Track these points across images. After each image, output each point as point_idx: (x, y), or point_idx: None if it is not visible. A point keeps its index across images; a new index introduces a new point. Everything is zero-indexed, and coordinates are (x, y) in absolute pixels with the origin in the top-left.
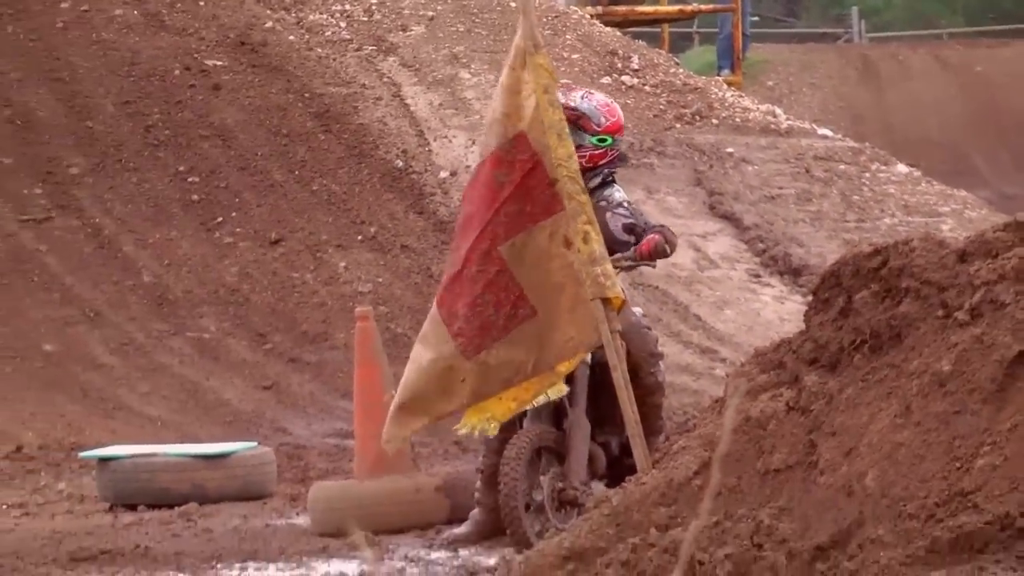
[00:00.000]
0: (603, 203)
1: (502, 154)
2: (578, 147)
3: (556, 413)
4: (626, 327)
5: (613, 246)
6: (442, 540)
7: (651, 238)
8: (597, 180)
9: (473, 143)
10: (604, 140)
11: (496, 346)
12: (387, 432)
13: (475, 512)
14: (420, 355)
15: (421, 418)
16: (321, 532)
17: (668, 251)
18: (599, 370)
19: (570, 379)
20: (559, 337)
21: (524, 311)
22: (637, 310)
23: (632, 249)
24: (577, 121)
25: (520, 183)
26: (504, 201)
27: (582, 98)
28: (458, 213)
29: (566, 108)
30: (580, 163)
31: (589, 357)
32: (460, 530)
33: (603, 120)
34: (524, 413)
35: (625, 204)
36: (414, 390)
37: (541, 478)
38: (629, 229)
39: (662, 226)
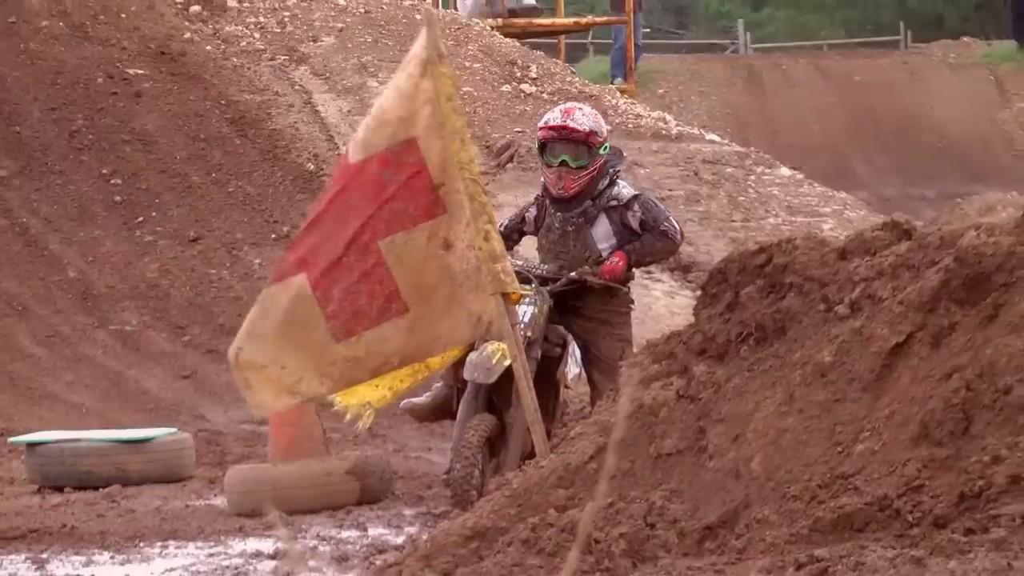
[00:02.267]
0: (614, 202)
1: (391, 155)
2: (590, 166)
3: (488, 401)
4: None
5: (623, 243)
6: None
7: (614, 265)
8: (606, 181)
9: None
10: (605, 148)
11: (366, 335)
12: (256, 397)
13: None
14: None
15: (291, 395)
16: (238, 513)
17: (632, 275)
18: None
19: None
20: (430, 335)
21: (397, 306)
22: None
23: (598, 267)
24: (587, 140)
25: (405, 184)
26: (388, 199)
27: (582, 115)
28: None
29: (576, 133)
30: (594, 176)
31: (538, 352)
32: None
33: (604, 129)
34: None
35: (639, 201)
36: (279, 358)
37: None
38: (644, 227)
39: (663, 232)
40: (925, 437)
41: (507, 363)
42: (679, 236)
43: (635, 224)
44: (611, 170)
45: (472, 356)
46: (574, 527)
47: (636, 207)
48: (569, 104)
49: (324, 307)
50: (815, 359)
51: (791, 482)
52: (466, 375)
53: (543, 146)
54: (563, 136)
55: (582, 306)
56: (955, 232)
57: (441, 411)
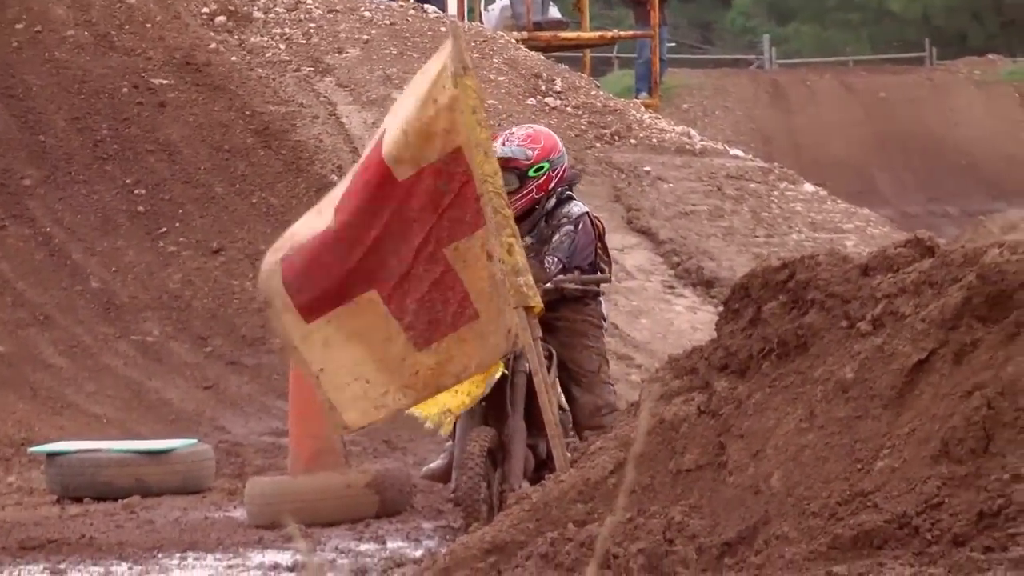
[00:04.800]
0: (564, 220)
1: (441, 166)
2: (522, 189)
3: (484, 415)
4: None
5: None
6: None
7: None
8: (552, 202)
9: None
10: (540, 168)
11: (445, 341)
12: (343, 416)
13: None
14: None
15: (378, 409)
16: (257, 524)
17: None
18: (528, 377)
19: (512, 386)
20: (492, 341)
21: (469, 311)
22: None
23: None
24: (507, 166)
25: (458, 193)
26: (446, 208)
27: (503, 144)
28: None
29: (500, 159)
30: (531, 197)
31: (526, 365)
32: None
33: (529, 153)
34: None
35: (571, 223)
36: (361, 374)
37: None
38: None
39: (552, 262)
40: (945, 455)
41: (498, 375)
42: (549, 272)
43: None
44: (558, 190)
45: None
46: (593, 542)
47: (567, 230)
48: (509, 129)
49: (400, 319)
50: (837, 375)
51: (811, 499)
52: None
53: None
54: (501, 164)
55: (554, 319)
56: (978, 249)
57: None
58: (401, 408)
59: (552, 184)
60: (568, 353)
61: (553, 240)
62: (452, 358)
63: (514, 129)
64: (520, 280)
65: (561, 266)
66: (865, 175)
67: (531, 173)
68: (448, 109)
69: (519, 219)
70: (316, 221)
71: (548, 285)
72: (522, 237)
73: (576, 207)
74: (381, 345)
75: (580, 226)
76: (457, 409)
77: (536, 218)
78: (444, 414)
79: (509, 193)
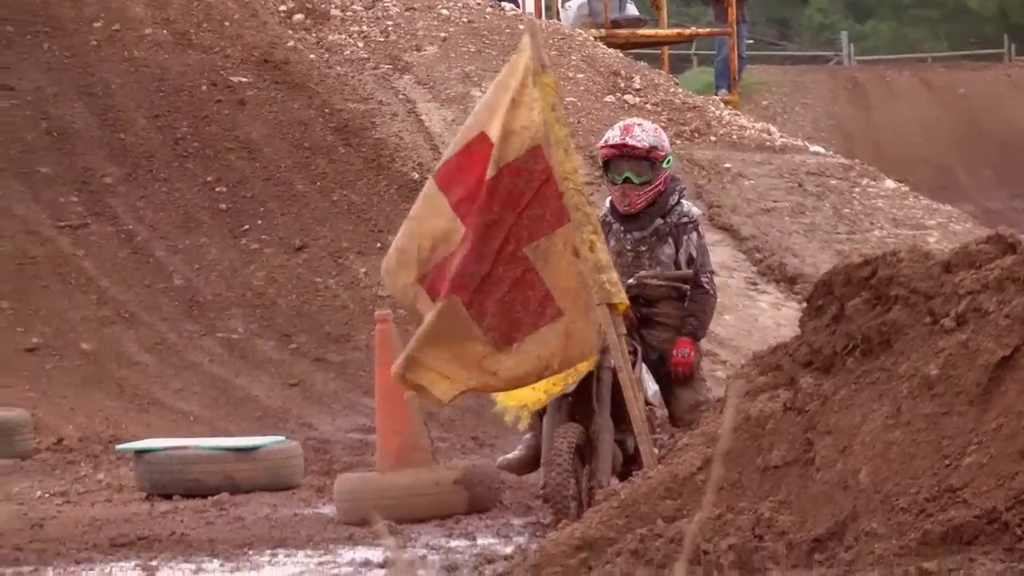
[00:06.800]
0: (685, 219)
1: (520, 164)
2: (654, 180)
3: (571, 411)
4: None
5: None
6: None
7: (686, 358)
8: (675, 198)
9: None
10: (669, 160)
11: (526, 340)
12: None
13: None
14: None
15: (455, 384)
16: (346, 521)
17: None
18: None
19: (597, 381)
20: (580, 338)
21: (551, 310)
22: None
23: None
24: (647, 155)
25: (538, 191)
26: (525, 206)
27: (641, 131)
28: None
29: (637, 149)
30: (659, 190)
31: (612, 361)
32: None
33: (664, 143)
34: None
35: (697, 232)
36: (443, 370)
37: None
38: (690, 261)
39: (703, 288)
40: None
41: (584, 372)
42: (715, 293)
43: (684, 256)
44: (679, 188)
45: None
46: (682, 538)
47: (695, 237)
48: (628, 120)
49: (480, 322)
50: (921, 372)
51: (899, 495)
52: None
53: (606, 164)
54: (624, 153)
55: (654, 314)
56: None
57: (535, 461)
58: (468, 390)
59: (672, 179)
60: (669, 348)
61: (689, 252)
62: (533, 357)
63: (631, 121)
64: (603, 277)
65: (714, 284)
66: (946, 171)
67: (664, 165)
68: (525, 107)
69: (638, 213)
70: (446, 233)
71: (631, 281)
72: (640, 230)
73: (692, 207)
74: (462, 344)
75: (701, 230)
76: (534, 406)
77: (655, 212)
78: (521, 408)
79: (640, 185)
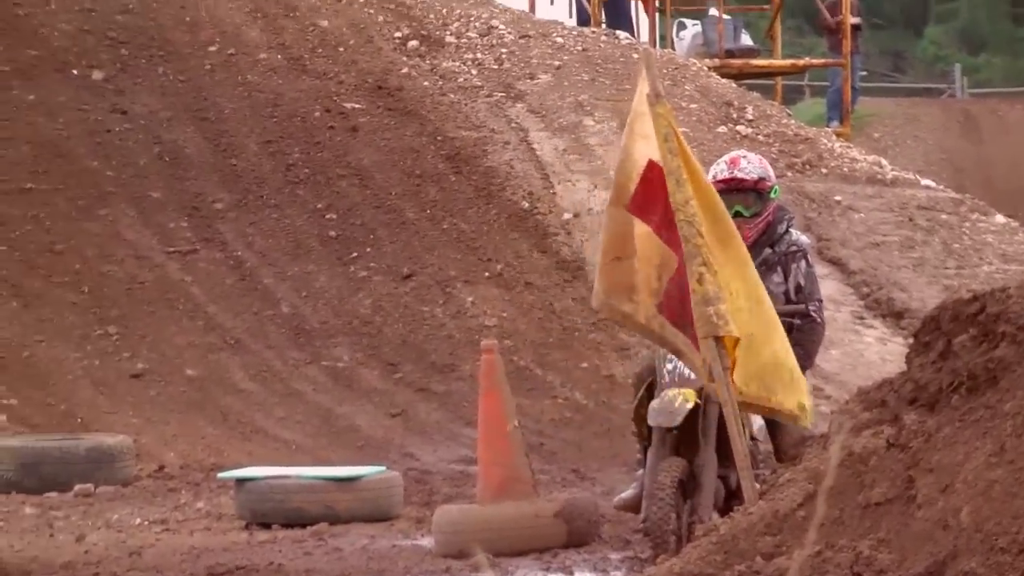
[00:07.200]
0: (794, 248)
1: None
2: (763, 212)
3: (675, 445)
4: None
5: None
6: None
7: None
8: (783, 227)
9: (595, 187)
10: (776, 191)
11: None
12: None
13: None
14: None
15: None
16: (444, 554)
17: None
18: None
19: (703, 416)
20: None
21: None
22: None
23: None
24: (756, 187)
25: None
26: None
27: (748, 163)
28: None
29: (745, 182)
30: (769, 221)
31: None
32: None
33: (771, 173)
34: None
35: (807, 260)
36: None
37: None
38: (798, 290)
39: (810, 317)
40: None
41: (689, 406)
42: (823, 322)
43: (793, 284)
44: (787, 217)
45: (654, 403)
46: (782, 575)
47: (803, 266)
48: (734, 154)
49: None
50: None
51: (1000, 534)
52: (650, 421)
53: None
54: (732, 187)
55: None
56: None
57: None
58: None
59: (781, 209)
60: None
61: (798, 281)
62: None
63: (737, 154)
64: (710, 310)
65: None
66: None
67: (771, 195)
68: (643, 137)
69: (751, 245)
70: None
71: None
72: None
73: (801, 235)
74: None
75: (810, 259)
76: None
77: (764, 241)
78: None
79: (751, 217)
